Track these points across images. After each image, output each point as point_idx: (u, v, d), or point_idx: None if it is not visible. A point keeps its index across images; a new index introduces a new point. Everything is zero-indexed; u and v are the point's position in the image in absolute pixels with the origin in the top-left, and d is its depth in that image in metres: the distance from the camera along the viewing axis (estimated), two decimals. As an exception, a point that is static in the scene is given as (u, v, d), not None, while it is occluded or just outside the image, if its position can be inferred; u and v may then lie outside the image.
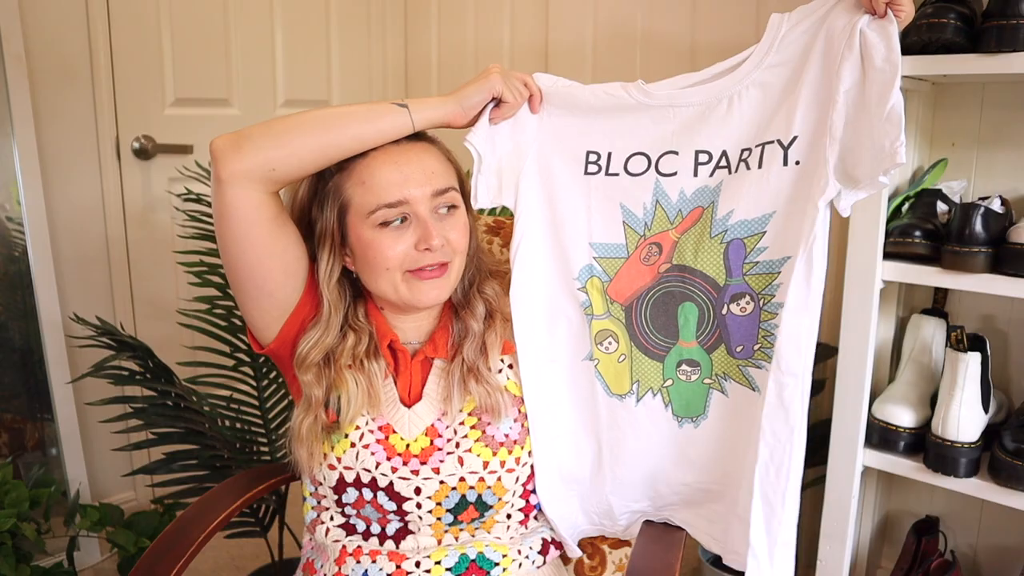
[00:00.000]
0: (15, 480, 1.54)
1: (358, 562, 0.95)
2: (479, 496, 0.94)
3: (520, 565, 0.98)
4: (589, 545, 1.11)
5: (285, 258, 0.93)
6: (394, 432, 0.95)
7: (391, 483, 0.93)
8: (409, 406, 0.96)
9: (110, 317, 1.91)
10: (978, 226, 1.21)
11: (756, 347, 0.92)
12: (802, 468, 0.92)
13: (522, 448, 0.96)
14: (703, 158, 0.91)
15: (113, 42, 1.94)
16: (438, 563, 0.94)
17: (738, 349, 0.93)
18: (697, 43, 1.85)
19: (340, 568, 0.96)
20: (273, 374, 1.61)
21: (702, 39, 1.84)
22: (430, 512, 0.94)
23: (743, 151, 0.90)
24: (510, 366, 0.99)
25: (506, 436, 0.96)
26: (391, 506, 0.94)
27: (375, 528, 0.96)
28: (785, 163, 0.87)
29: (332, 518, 0.99)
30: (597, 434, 1.00)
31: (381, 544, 0.96)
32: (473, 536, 0.97)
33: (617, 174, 0.95)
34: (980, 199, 1.28)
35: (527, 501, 1.00)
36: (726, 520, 0.97)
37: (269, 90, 2.23)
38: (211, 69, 2.13)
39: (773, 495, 0.91)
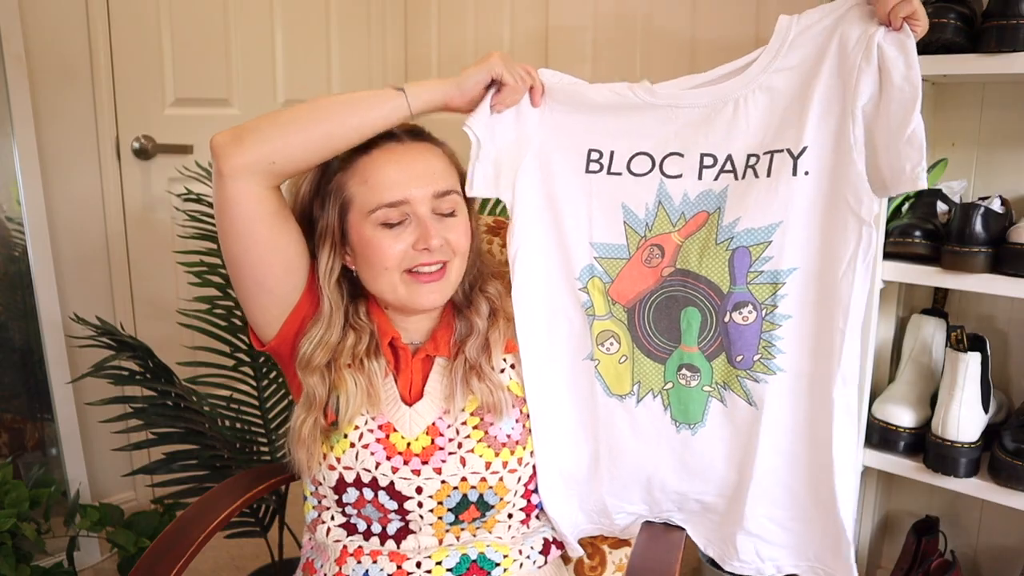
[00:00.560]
0: (15, 480, 1.53)
1: (359, 562, 0.95)
2: (481, 496, 0.94)
3: (521, 565, 0.98)
4: (589, 545, 1.11)
5: (286, 254, 0.93)
6: (395, 431, 0.95)
7: (392, 483, 0.93)
8: (410, 404, 0.96)
9: (110, 317, 1.91)
10: (978, 226, 1.21)
11: (756, 357, 0.91)
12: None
13: (524, 448, 0.96)
14: (708, 161, 0.90)
15: (113, 42, 1.94)
16: (439, 563, 0.94)
17: (738, 359, 0.92)
18: (697, 39, 1.85)
19: (340, 568, 0.96)
20: (273, 374, 1.61)
21: (702, 35, 1.84)
22: (431, 511, 0.94)
23: (750, 157, 0.89)
24: (512, 366, 0.99)
25: (508, 436, 0.96)
26: (392, 505, 0.94)
27: (376, 528, 0.96)
28: (794, 173, 0.86)
29: (333, 518, 0.99)
30: (595, 434, 1.00)
31: (382, 544, 0.96)
32: (474, 536, 0.97)
33: (620, 173, 0.94)
34: (980, 199, 1.28)
35: (528, 501, 1.00)
36: (722, 530, 0.98)
37: (269, 90, 2.23)
38: (211, 69, 2.13)
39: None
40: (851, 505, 0.93)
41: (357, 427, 0.95)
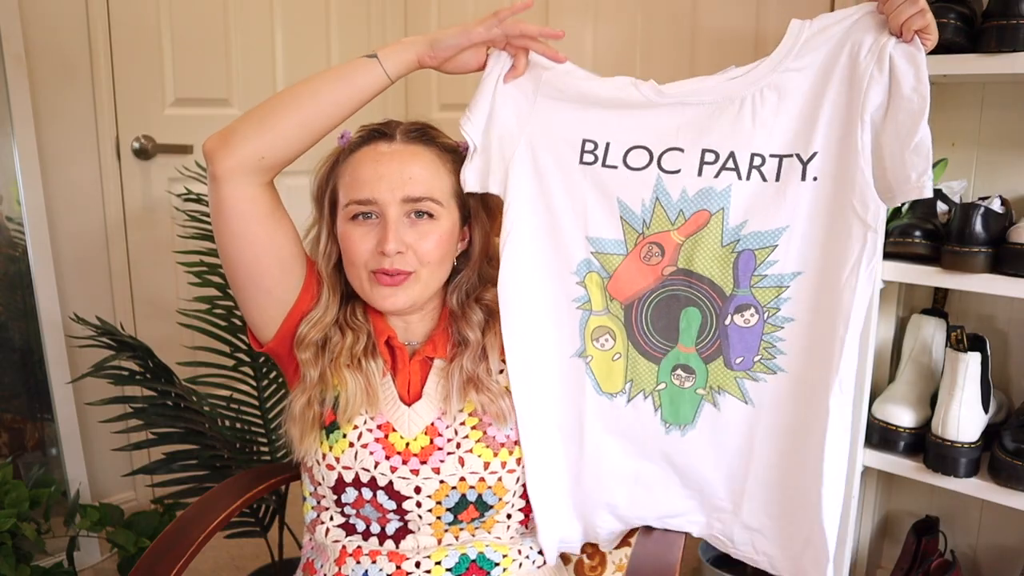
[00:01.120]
0: (15, 480, 1.53)
1: (358, 562, 0.95)
2: (479, 496, 0.94)
3: (520, 565, 0.98)
4: (589, 545, 1.10)
5: (281, 254, 0.94)
6: (394, 430, 0.95)
7: (391, 482, 0.93)
8: (409, 404, 0.96)
9: (110, 317, 1.91)
10: (978, 226, 1.21)
11: (756, 358, 0.91)
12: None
13: (523, 449, 0.96)
14: (709, 157, 0.89)
15: (113, 42, 1.94)
16: (438, 563, 0.94)
17: (737, 360, 0.92)
18: (698, 31, 1.85)
19: (340, 568, 0.96)
20: (273, 374, 1.61)
21: (703, 23, 1.84)
22: (430, 511, 0.94)
23: (754, 156, 0.88)
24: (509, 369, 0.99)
25: (507, 437, 0.96)
26: (391, 505, 0.94)
27: (375, 528, 0.96)
28: (803, 178, 0.86)
29: (332, 518, 0.99)
30: (582, 431, 0.98)
31: (381, 544, 0.96)
32: (473, 536, 0.97)
33: (615, 167, 0.92)
34: (980, 199, 1.28)
35: (527, 502, 1.00)
36: (716, 525, 0.99)
37: (269, 90, 2.23)
38: (211, 69, 2.13)
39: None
40: (835, 517, 0.92)
41: (356, 427, 0.95)
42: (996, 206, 1.25)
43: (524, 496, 0.99)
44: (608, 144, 0.92)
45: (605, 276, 0.94)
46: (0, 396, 1.81)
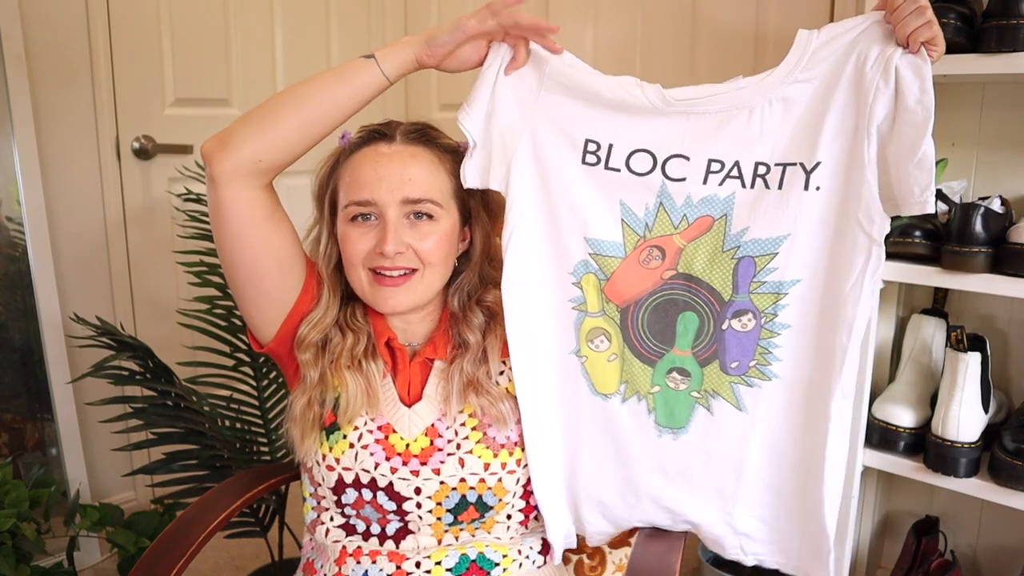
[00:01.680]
0: (15, 480, 1.53)
1: (358, 562, 0.95)
2: (479, 497, 0.94)
3: (520, 565, 0.98)
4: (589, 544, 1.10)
5: (281, 256, 0.94)
6: (394, 432, 0.95)
7: (391, 483, 0.93)
8: (409, 406, 0.96)
9: (110, 317, 1.91)
10: (978, 226, 1.20)
11: (752, 363, 0.91)
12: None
13: (523, 450, 0.96)
14: (715, 167, 0.89)
15: (113, 42, 1.94)
16: (438, 563, 0.94)
17: (733, 365, 0.92)
18: (698, 31, 1.85)
19: (340, 568, 0.96)
20: (273, 374, 1.61)
21: (703, 27, 1.84)
22: (430, 512, 0.94)
23: (759, 165, 0.88)
24: (511, 368, 0.99)
25: (507, 438, 0.96)
26: (391, 506, 0.94)
27: (375, 528, 0.96)
28: (806, 188, 0.86)
29: (332, 518, 0.99)
30: (577, 431, 0.98)
31: (381, 544, 0.96)
32: (473, 536, 0.97)
33: (618, 169, 0.91)
34: (980, 199, 1.28)
35: (527, 502, 1.00)
36: (707, 529, 0.98)
37: (269, 90, 2.23)
38: (211, 69, 2.13)
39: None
40: (835, 511, 0.93)
41: (357, 427, 0.95)
42: (996, 206, 1.25)
43: (524, 497, 0.99)
44: (611, 146, 0.91)
45: (602, 278, 0.94)
46: (0, 396, 1.81)
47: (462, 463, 0.93)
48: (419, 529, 0.95)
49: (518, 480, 0.96)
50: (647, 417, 0.96)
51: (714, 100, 0.89)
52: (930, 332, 1.41)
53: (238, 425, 1.60)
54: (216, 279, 1.55)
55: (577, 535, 1.04)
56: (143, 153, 2.02)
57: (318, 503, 1.00)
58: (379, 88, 0.90)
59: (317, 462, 0.96)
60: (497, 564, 0.96)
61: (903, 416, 1.34)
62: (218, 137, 0.87)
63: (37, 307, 1.81)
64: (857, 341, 0.88)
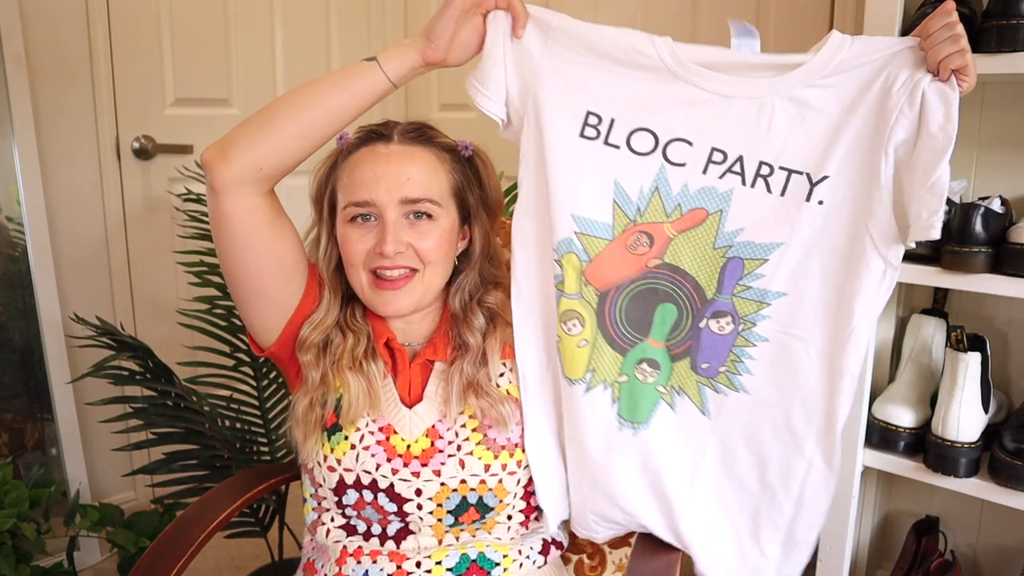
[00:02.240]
0: (15, 480, 1.53)
1: (358, 562, 0.95)
2: (480, 498, 0.94)
3: (521, 565, 0.98)
4: (589, 544, 1.10)
5: (283, 262, 0.93)
6: (395, 433, 0.95)
7: (391, 484, 0.93)
8: (410, 407, 0.96)
9: (110, 317, 1.91)
10: (978, 226, 1.20)
11: (722, 369, 0.89)
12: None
13: (523, 451, 0.96)
14: (717, 157, 0.86)
15: (113, 42, 1.94)
16: (439, 563, 0.94)
17: (703, 366, 0.90)
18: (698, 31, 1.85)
19: (340, 568, 0.96)
20: (273, 374, 1.61)
21: (703, 27, 1.84)
22: (431, 513, 0.94)
23: (762, 165, 0.85)
24: (511, 370, 0.99)
25: (507, 439, 0.96)
26: (392, 507, 0.94)
27: (376, 529, 0.96)
28: (808, 199, 0.84)
29: (333, 519, 0.99)
30: (557, 414, 0.96)
31: (382, 544, 0.96)
32: (474, 536, 0.97)
33: (617, 146, 0.87)
34: (980, 199, 1.28)
35: (528, 503, 0.99)
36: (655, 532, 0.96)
37: (269, 90, 2.23)
38: (211, 69, 2.13)
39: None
40: (780, 537, 0.93)
41: (358, 429, 0.95)
42: (996, 206, 1.25)
43: (525, 498, 0.99)
44: (612, 121, 0.87)
45: (584, 259, 0.90)
46: (0, 396, 1.81)
47: (463, 464, 0.93)
48: (420, 530, 0.95)
49: (518, 481, 0.96)
50: (610, 408, 0.93)
51: (727, 82, 0.85)
52: (930, 332, 1.41)
53: (238, 425, 1.60)
54: (216, 279, 1.55)
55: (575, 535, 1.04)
56: (143, 153, 2.02)
57: (319, 504, 1.00)
58: (382, 92, 0.88)
59: (318, 463, 0.95)
60: (497, 564, 0.96)
61: (903, 416, 1.34)
62: (217, 146, 0.86)
63: (37, 307, 1.81)
64: (857, 366, 0.86)
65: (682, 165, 0.87)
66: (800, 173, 0.84)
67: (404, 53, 0.88)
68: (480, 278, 1.01)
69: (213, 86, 2.13)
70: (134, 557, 1.56)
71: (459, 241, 1.00)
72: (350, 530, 0.98)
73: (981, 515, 1.52)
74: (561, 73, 0.88)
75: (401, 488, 0.93)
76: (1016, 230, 1.19)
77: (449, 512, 0.94)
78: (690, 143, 0.86)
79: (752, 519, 0.94)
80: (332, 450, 0.95)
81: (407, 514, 0.94)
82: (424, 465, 0.93)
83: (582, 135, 0.88)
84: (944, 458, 1.27)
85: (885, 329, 1.47)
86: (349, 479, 0.94)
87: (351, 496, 0.94)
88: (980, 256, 1.21)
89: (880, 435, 1.36)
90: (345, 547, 0.97)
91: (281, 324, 0.97)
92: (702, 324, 0.89)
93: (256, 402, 1.62)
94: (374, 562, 0.95)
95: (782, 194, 0.85)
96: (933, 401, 1.35)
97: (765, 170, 0.85)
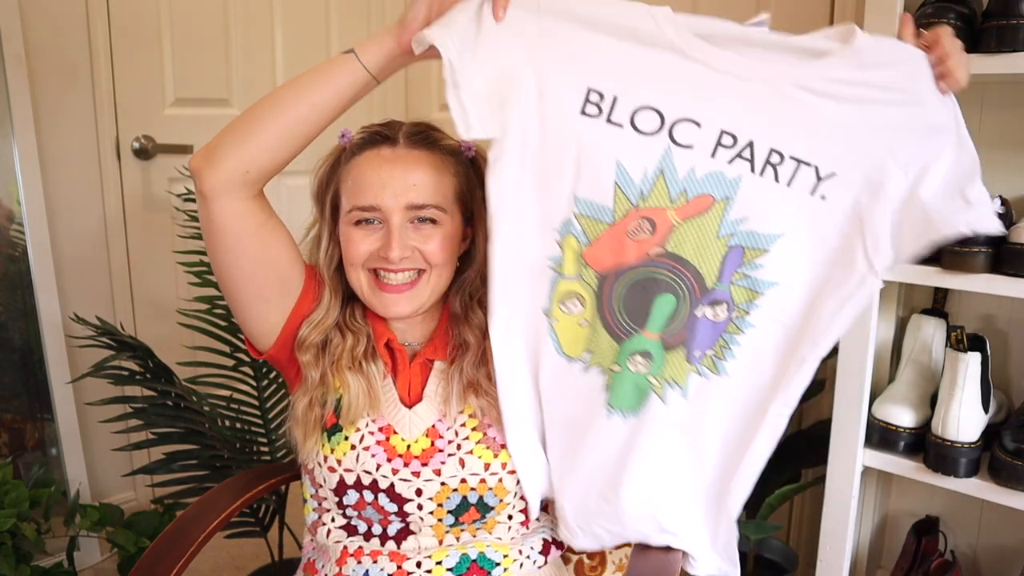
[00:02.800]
0: (15, 480, 1.53)
1: (359, 562, 0.95)
2: (480, 498, 0.94)
3: (521, 565, 0.98)
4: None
5: (278, 264, 0.93)
6: (395, 433, 0.95)
7: (392, 484, 0.93)
8: (409, 407, 0.96)
9: (110, 317, 1.91)
10: (978, 226, 1.20)
11: (709, 352, 0.88)
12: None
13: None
14: (727, 140, 0.81)
15: (113, 42, 1.94)
16: (439, 563, 0.94)
17: (696, 353, 0.89)
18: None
19: (341, 568, 0.96)
20: (273, 374, 1.61)
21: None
22: (431, 513, 0.94)
23: (772, 152, 0.82)
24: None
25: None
26: (392, 507, 0.94)
27: (376, 529, 0.96)
28: (812, 193, 0.82)
29: (333, 519, 0.99)
30: (538, 397, 0.93)
31: (382, 544, 0.96)
32: (474, 536, 0.97)
33: (621, 125, 0.82)
34: (980, 199, 1.28)
35: (528, 502, 0.99)
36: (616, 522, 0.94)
37: (269, 90, 2.22)
38: (211, 69, 2.13)
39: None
40: (738, 508, 0.93)
41: (358, 429, 0.95)
42: (996, 206, 1.25)
43: (524, 497, 0.99)
44: (616, 98, 0.82)
45: (584, 242, 0.86)
46: (0, 396, 1.81)
47: (462, 463, 0.93)
48: (420, 530, 0.95)
49: (518, 481, 0.96)
50: (601, 394, 0.91)
51: (740, 63, 0.81)
52: (930, 332, 1.41)
53: (238, 425, 1.60)
54: (215, 277, 1.55)
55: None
56: (143, 153, 2.02)
57: (319, 504, 1.00)
58: (361, 85, 0.85)
59: (319, 463, 0.95)
60: (498, 564, 0.96)
61: (903, 416, 1.34)
62: (204, 151, 0.85)
63: (37, 307, 1.82)
64: (818, 358, 0.86)
65: (689, 147, 0.82)
66: (809, 165, 0.82)
67: (379, 40, 0.84)
68: (481, 278, 1.01)
69: (213, 86, 2.13)
70: (134, 557, 1.56)
71: (461, 242, 0.99)
72: (351, 530, 0.98)
73: (981, 515, 1.52)
74: (557, 49, 0.82)
75: (401, 488, 0.93)
76: (1016, 230, 1.19)
77: (449, 512, 0.94)
78: (698, 124, 0.81)
79: (708, 488, 0.93)
80: (332, 450, 0.95)
81: (408, 514, 0.94)
82: (424, 465, 0.93)
83: (583, 112, 0.83)
84: (944, 458, 1.27)
85: (885, 329, 1.47)
86: (349, 479, 0.94)
87: (351, 496, 0.94)
88: (980, 256, 1.21)
89: (880, 435, 1.36)
90: (345, 547, 0.97)
91: (279, 326, 0.96)
92: (698, 312, 0.87)
93: (256, 402, 1.62)
94: (374, 562, 0.95)
95: (788, 185, 0.82)
96: (933, 401, 1.35)
97: (775, 158, 0.82)
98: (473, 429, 0.95)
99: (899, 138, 0.82)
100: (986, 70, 1.19)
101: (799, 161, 0.82)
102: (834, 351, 1.38)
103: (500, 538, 0.98)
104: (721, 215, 0.84)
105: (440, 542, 0.96)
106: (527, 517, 1.00)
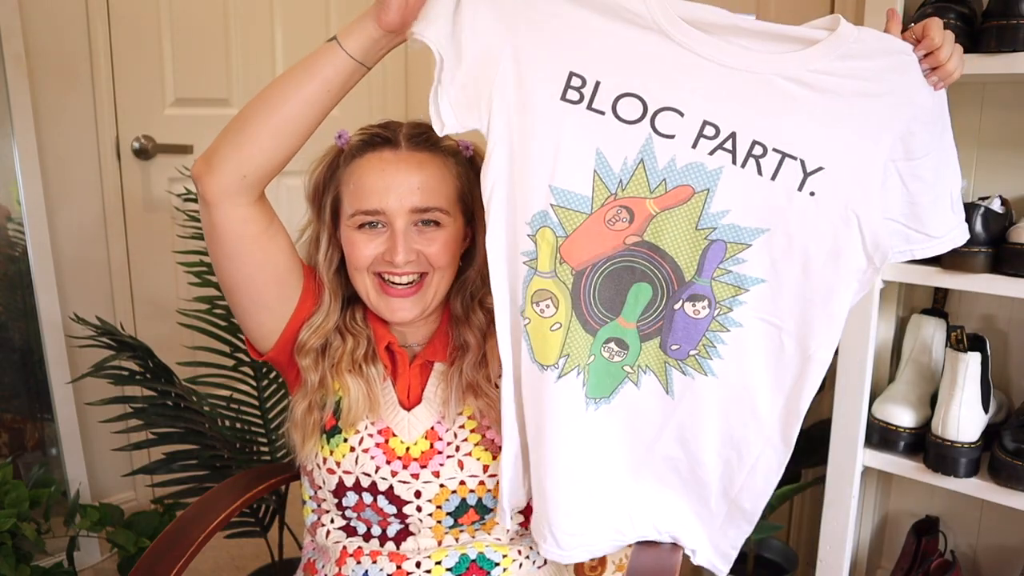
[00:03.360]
0: (15, 480, 1.53)
1: (358, 563, 0.95)
2: (479, 500, 0.94)
3: (520, 565, 0.98)
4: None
5: (279, 269, 0.93)
6: (394, 435, 0.95)
7: (391, 487, 0.93)
8: (408, 409, 0.96)
9: (110, 317, 1.91)
10: (978, 226, 1.21)
11: (693, 352, 0.87)
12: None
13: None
14: (709, 131, 0.79)
15: (113, 42, 1.94)
16: (438, 563, 0.94)
17: (673, 347, 0.87)
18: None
19: (340, 568, 0.96)
20: (273, 374, 1.61)
21: None
22: (430, 515, 0.94)
23: (755, 144, 0.80)
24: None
25: (506, 439, 0.95)
26: (391, 509, 0.94)
27: (376, 530, 0.96)
28: (800, 188, 0.80)
29: (333, 520, 0.99)
30: (522, 401, 0.90)
31: (382, 545, 0.96)
32: (473, 537, 0.97)
33: (602, 112, 0.79)
34: (980, 199, 1.28)
35: (527, 504, 0.99)
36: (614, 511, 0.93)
37: (269, 90, 2.23)
38: (211, 69, 2.13)
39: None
40: (753, 503, 0.93)
41: (357, 432, 0.95)
42: (996, 206, 1.25)
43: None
44: (598, 84, 0.79)
45: (560, 235, 0.83)
46: (0, 396, 1.81)
47: (461, 465, 0.93)
48: (419, 531, 0.95)
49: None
50: (580, 390, 0.87)
51: (728, 51, 0.79)
52: (930, 332, 1.41)
53: (238, 425, 1.60)
54: (216, 279, 1.55)
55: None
56: (143, 153, 2.02)
57: (319, 505, 1.00)
58: (349, 73, 0.82)
59: (318, 465, 0.95)
60: (497, 564, 0.96)
61: (903, 416, 1.34)
62: (204, 157, 0.84)
63: (37, 307, 1.82)
64: (827, 358, 0.86)
65: (671, 137, 0.80)
66: (794, 158, 0.80)
67: (360, 25, 0.81)
68: (481, 278, 1.01)
69: (213, 86, 2.13)
70: (134, 557, 1.56)
71: (462, 242, 0.99)
72: (350, 531, 0.98)
73: (981, 515, 1.52)
74: (539, 30, 0.79)
75: (400, 490, 0.93)
76: (1016, 230, 1.20)
77: (448, 514, 0.94)
78: (681, 113, 0.79)
79: (705, 488, 0.93)
80: (331, 453, 0.94)
81: (407, 516, 0.94)
82: (423, 467, 0.93)
83: (563, 98, 0.80)
84: (944, 458, 1.27)
85: (885, 329, 1.47)
86: (348, 481, 0.94)
87: (351, 498, 0.94)
88: (980, 256, 1.21)
89: (880, 435, 1.36)
90: (345, 548, 0.97)
91: (279, 329, 0.96)
92: (677, 306, 0.86)
93: (256, 402, 1.62)
94: (374, 562, 0.95)
95: (772, 178, 0.81)
96: (933, 401, 1.35)
97: (758, 150, 0.80)
98: (472, 431, 0.95)
99: (887, 132, 0.81)
100: (986, 70, 1.19)
101: (783, 153, 0.80)
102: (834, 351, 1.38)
103: (499, 538, 0.98)
104: (701, 207, 0.82)
105: (439, 543, 0.96)
106: (526, 518, 1.00)
